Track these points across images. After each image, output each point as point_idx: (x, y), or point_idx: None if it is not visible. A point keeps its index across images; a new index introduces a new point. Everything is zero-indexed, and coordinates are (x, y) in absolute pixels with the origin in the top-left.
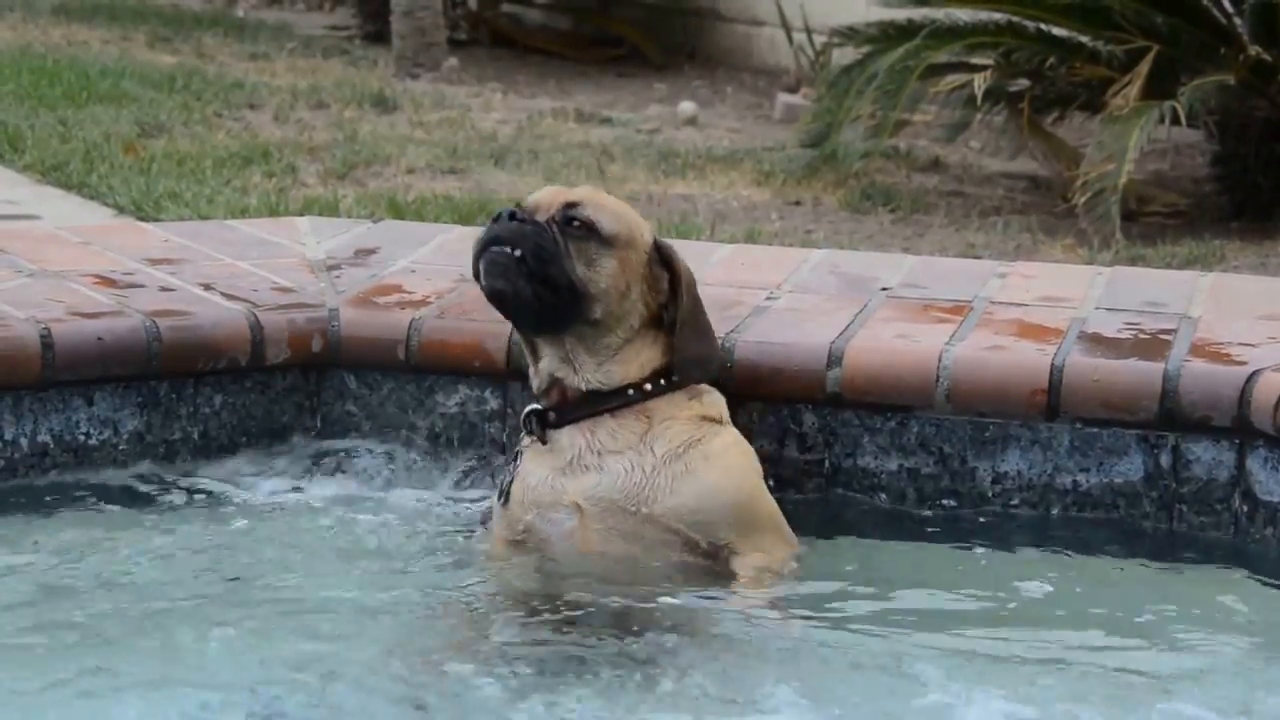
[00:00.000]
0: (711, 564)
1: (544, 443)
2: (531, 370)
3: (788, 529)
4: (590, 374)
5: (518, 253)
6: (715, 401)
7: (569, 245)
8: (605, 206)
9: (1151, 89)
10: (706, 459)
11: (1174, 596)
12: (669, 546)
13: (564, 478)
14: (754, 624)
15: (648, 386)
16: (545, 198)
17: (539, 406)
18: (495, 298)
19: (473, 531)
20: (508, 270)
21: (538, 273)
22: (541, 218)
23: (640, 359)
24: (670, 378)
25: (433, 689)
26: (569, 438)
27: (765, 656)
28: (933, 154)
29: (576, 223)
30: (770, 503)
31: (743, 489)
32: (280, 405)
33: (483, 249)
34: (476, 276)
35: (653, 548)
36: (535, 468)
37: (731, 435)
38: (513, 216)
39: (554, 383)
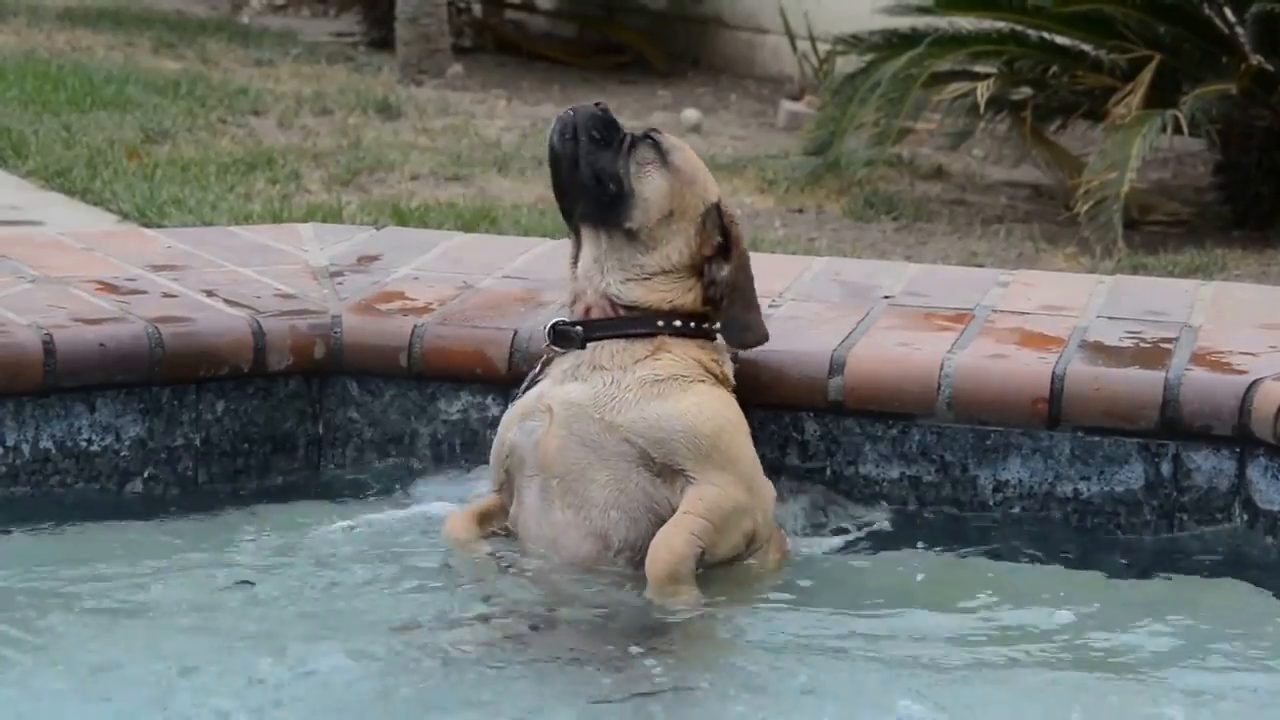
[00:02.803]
0: (663, 490)
1: (561, 351)
2: (570, 276)
3: (766, 491)
4: (613, 282)
5: (575, 128)
6: (726, 362)
7: (632, 149)
8: (682, 147)
9: (1154, 98)
10: (684, 391)
11: (1174, 605)
12: (625, 460)
13: (554, 386)
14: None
15: (677, 322)
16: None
17: (565, 319)
18: (551, 156)
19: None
20: (565, 135)
21: (589, 152)
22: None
23: (668, 294)
24: (699, 324)
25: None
26: (574, 356)
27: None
28: (935, 162)
29: (650, 139)
30: (748, 458)
31: (711, 422)
32: (282, 412)
33: (560, 115)
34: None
35: (609, 460)
36: (542, 383)
37: (723, 392)
38: (598, 105)
39: (580, 293)
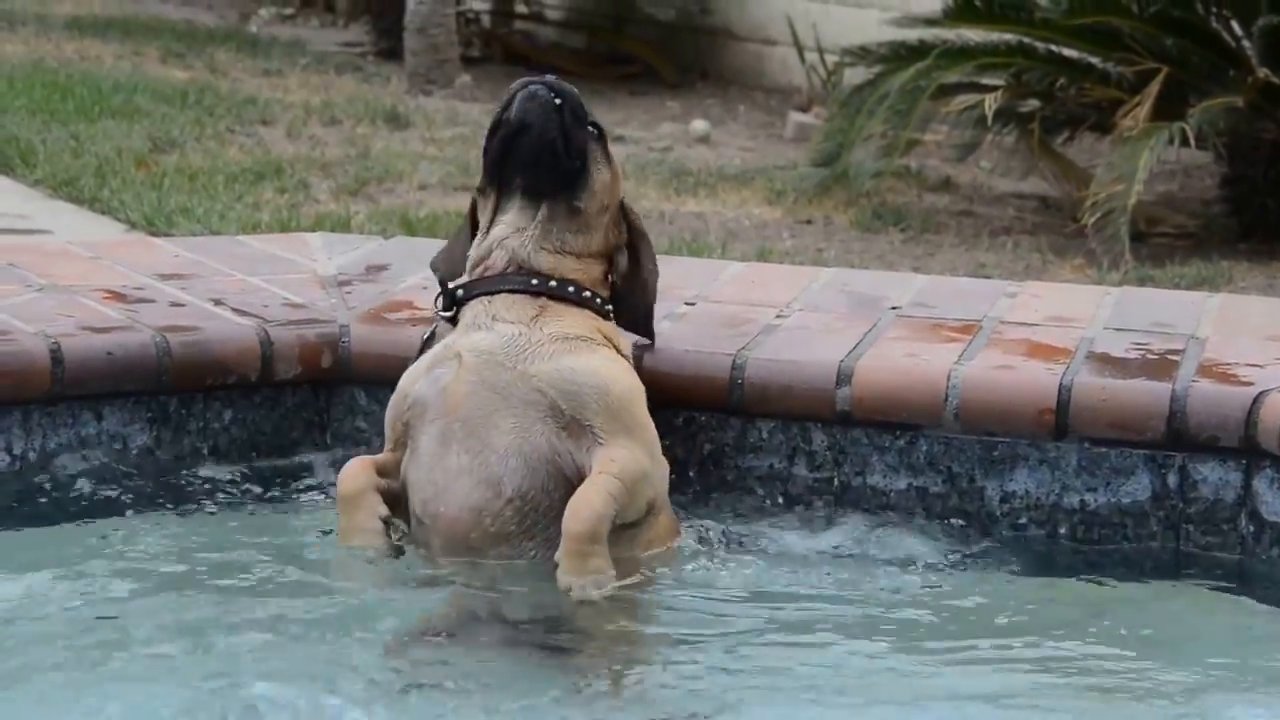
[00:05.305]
0: (568, 444)
1: (452, 315)
2: (476, 240)
3: (663, 461)
4: (532, 251)
5: (558, 100)
6: (623, 338)
7: (594, 138)
8: None
9: (1161, 111)
10: (593, 352)
11: (1179, 617)
12: (534, 408)
13: (459, 336)
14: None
15: (553, 284)
16: None
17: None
18: (519, 130)
19: None
20: (545, 107)
21: (568, 124)
22: None
23: (570, 272)
24: (582, 294)
25: None
26: (471, 310)
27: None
28: (943, 174)
29: (596, 130)
30: (651, 427)
31: (620, 384)
32: (290, 421)
33: (525, 84)
34: (505, 108)
35: (517, 407)
36: (442, 337)
37: (627, 364)
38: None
39: (483, 259)
